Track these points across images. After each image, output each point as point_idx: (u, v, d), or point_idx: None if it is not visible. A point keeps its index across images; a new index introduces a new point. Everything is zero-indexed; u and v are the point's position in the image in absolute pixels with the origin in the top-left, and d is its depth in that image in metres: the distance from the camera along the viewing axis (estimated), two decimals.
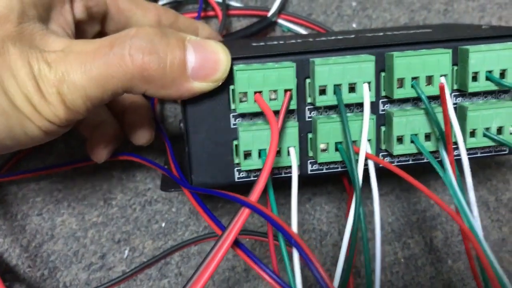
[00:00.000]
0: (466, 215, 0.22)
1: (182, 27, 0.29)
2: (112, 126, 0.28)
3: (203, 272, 0.18)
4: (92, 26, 0.26)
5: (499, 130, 0.25)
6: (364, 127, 0.23)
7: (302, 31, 0.36)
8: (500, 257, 0.32)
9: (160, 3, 0.35)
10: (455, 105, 0.25)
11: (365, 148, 0.23)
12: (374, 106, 0.24)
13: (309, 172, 0.25)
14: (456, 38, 0.24)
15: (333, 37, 0.28)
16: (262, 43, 0.28)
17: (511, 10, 0.39)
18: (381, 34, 0.28)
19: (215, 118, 0.23)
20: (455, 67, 0.24)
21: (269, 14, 0.35)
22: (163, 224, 0.30)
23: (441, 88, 0.22)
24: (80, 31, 0.25)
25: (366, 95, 0.23)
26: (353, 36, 0.28)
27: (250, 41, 0.31)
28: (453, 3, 0.39)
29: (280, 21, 0.36)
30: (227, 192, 0.21)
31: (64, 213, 0.31)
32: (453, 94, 0.25)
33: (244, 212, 0.20)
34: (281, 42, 0.27)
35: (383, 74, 0.24)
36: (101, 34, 0.27)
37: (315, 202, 0.33)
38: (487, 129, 0.24)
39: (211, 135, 0.24)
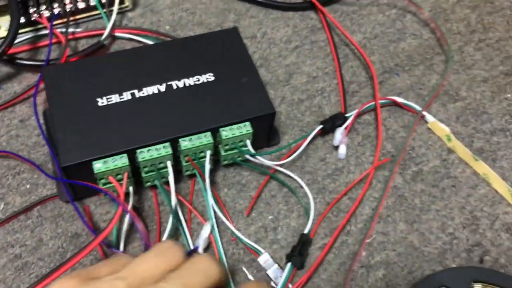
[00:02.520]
0: None
1: None
2: None
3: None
4: None
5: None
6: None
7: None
8: None
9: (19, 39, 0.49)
10: None
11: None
12: None
13: None
14: (217, 126, 0.40)
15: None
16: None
17: (281, 22, 0.55)
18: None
19: None
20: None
21: (102, 38, 0.49)
22: (28, 186, 0.43)
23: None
24: None
25: (171, 174, 0.40)
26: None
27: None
28: (240, 20, 0.55)
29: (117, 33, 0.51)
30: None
31: None
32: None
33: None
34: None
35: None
36: None
37: None
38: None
39: None
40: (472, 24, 0.57)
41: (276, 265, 0.40)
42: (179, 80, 0.42)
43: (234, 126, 0.41)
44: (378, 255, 0.42)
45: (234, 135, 0.40)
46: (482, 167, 0.46)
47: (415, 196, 0.45)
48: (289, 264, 0.40)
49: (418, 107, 0.49)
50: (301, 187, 0.44)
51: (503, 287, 0.39)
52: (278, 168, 0.44)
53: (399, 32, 0.55)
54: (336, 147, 0.47)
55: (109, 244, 0.39)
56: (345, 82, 0.51)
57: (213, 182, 0.44)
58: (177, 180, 0.44)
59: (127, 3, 0.53)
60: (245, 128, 0.41)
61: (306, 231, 0.42)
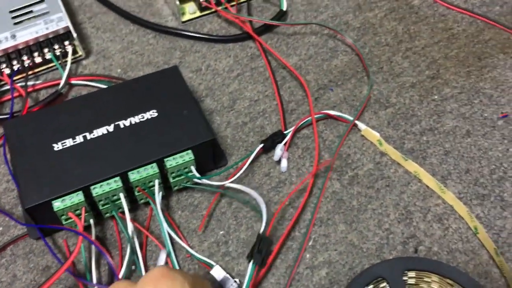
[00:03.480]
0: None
1: None
2: None
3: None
4: None
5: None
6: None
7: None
8: None
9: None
10: None
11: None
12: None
13: None
14: (161, 157, 0.45)
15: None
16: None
17: (223, 54, 0.60)
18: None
19: None
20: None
21: (59, 87, 0.54)
22: (1, 228, 0.48)
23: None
24: None
25: (124, 204, 0.44)
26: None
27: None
28: (185, 56, 0.60)
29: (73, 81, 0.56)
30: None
31: None
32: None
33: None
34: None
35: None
36: None
37: None
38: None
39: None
40: (399, 34, 0.62)
41: (227, 275, 0.44)
42: (125, 119, 0.47)
43: (177, 155, 0.45)
44: (321, 256, 0.46)
45: (178, 163, 0.45)
46: (412, 166, 0.51)
47: (352, 198, 0.49)
48: (251, 263, 0.44)
49: (350, 117, 0.54)
50: (248, 195, 0.49)
51: (434, 272, 0.43)
52: (229, 184, 0.49)
53: (331, 51, 0.61)
54: (279, 162, 0.51)
55: (78, 273, 0.44)
56: (284, 102, 0.56)
57: (168, 207, 0.49)
58: (135, 208, 0.48)
59: (80, 53, 0.58)
60: (188, 156, 0.46)
61: (261, 231, 0.46)
